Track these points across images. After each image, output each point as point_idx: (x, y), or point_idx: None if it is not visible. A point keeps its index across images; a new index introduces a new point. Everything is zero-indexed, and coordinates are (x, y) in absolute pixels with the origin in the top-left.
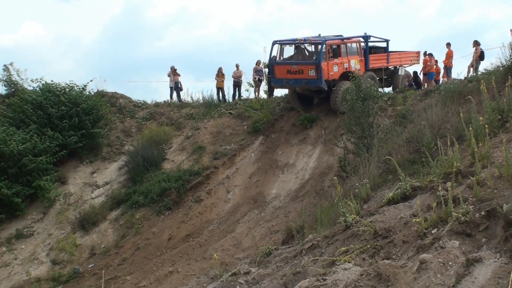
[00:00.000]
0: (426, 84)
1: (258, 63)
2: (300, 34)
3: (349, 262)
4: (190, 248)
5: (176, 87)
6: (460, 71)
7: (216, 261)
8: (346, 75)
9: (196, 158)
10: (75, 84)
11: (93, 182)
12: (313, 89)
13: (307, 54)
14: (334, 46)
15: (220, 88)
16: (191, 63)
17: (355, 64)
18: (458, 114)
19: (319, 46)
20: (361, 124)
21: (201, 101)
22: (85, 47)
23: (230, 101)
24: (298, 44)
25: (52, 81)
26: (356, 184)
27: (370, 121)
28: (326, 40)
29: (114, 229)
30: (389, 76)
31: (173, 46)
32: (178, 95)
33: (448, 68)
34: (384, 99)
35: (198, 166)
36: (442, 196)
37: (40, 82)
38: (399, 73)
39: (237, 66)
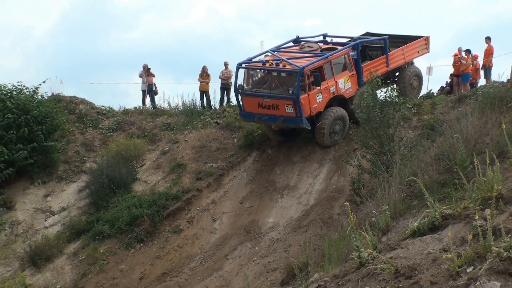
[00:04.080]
0: (460, 87)
1: None
2: (303, 25)
3: None
4: None
5: (149, 91)
6: (502, 71)
7: None
8: (334, 99)
9: (175, 178)
10: (24, 86)
11: (46, 208)
12: (292, 127)
13: (282, 78)
14: (315, 72)
15: (204, 92)
16: (168, 60)
17: (344, 83)
18: (500, 125)
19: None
20: (379, 137)
21: (181, 107)
22: (37, 40)
23: (217, 107)
24: (267, 70)
25: None
26: (373, 211)
27: (390, 133)
28: (303, 68)
29: (72, 265)
30: (393, 76)
31: (146, 39)
32: (152, 100)
33: (487, 68)
34: (407, 106)
35: (177, 188)
36: (480, 226)
37: None
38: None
39: (226, 64)
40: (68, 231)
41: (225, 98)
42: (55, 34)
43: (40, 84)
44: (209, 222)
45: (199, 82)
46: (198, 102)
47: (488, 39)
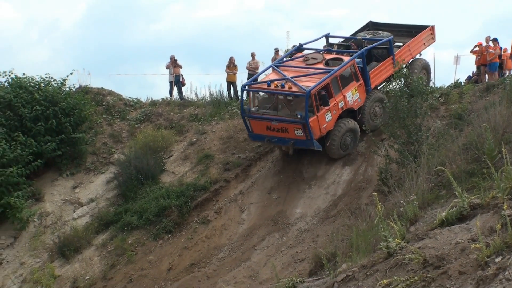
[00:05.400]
0: (487, 76)
1: (277, 51)
2: (331, 16)
3: None
4: (195, 281)
5: (177, 82)
6: None
7: None
8: (345, 111)
9: (202, 169)
10: (52, 78)
11: (75, 199)
12: (303, 148)
13: (288, 100)
14: (322, 91)
15: (231, 83)
16: (196, 51)
17: (352, 95)
18: None
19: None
20: (407, 127)
21: (208, 98)
22: (65, 32)
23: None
24: (273, 93)
25: (24, 74)
26: (401, 201)
27: (418, 123)
28: (310, 91)
29: (101, 257)
30: None
31: (173, 31)
32: (180, 91)
33: None
34: (435, 96)
35: (204, 179)
36: (508, 216)
37: (9, 75)
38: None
39: (253, 55)
40: (97, 222)
41: None
42: (82, 26)
43: (67, 76)
44: (237, 213)
45: (226, 73)
46: (225, 93)
47: None
